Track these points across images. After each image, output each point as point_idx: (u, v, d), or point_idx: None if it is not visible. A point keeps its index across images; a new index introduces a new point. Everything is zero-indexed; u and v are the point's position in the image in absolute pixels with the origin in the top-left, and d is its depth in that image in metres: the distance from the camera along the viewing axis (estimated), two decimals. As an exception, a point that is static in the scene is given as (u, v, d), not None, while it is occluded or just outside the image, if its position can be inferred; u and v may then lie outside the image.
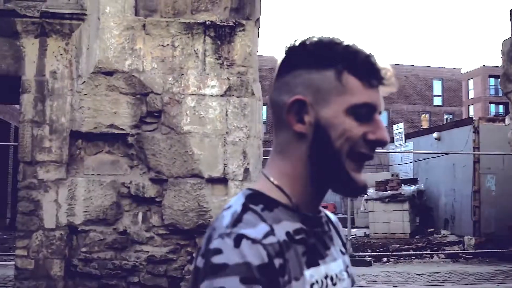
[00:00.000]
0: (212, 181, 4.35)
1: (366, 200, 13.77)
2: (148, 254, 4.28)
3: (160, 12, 4.44)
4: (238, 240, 0.81)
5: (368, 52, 0.91)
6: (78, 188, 4.30)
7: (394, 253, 11.21)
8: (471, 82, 42.36)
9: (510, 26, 10.64)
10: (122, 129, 4.33)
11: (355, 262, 9.50)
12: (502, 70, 10.35)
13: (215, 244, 0.82)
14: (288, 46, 0.94)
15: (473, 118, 14.34)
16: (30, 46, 4.41)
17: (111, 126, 4.33)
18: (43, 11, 4.38)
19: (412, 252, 11.37)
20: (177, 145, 4.34)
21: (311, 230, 0.93)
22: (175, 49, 4.40)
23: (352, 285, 1.04)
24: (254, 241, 0.81)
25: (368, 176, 13.99)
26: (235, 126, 4.39)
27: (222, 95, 4.41)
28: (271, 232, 0.84)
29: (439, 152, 13.45)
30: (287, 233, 0.88)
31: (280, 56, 0.96)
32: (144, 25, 4.39)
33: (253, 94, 4.46)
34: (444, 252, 11.48)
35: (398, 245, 11.92)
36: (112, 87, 4.34)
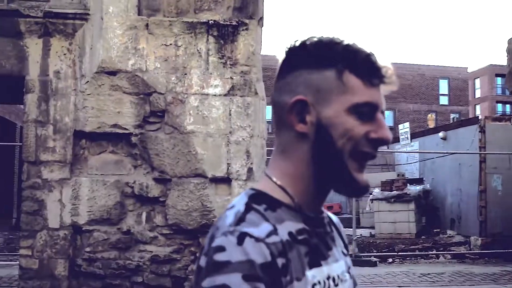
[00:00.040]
0: (215, 180, 4.35)
1: (372, 200, 13.72)
2: (152, 254, 4.28)
3: (163, 12, 4.44)
4: (241, 238, 0.81)
5: (368, 51, 0.91)
6: (82, 188, 4.30)
7: (400, 253, 11.16)
8: (477, 81, 42.16)
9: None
10: (125, 128, 4.34)
11: (361, 263, 9.48)
12: (508, 69, 10.30)
13: (218, 242, 0.82)
14: (288, 46, 0.95)
15: (479, 118, 14.25)
16: (33, 46, 4.42)
17: (115, 125, 4.33)
18: (46, 11, 4.39)
19: (418, 253, 11.32)
20: (180, 144, 4.34)
21: (314, 230, 0.93)
22: (178, 48, 4.40)
23: (354, 287, 1.04)
24: (257, 239, 0.81)
25: (374, 176, 13.98)
26: (239, 125, 4.38)
27: (225, 95, 4.40)
28: (274, 232, 0.85)
29: (445, 151, 13.38)
30: (290, 233, 0.88)
31: (280, 56, 0.96)
32: (147, 25, 4.39)
33: (256, 93, 4.44)
34: (450, 252, 11.42)
35: (403, 245, 11.86)
36: (115, 87, 4.34)
